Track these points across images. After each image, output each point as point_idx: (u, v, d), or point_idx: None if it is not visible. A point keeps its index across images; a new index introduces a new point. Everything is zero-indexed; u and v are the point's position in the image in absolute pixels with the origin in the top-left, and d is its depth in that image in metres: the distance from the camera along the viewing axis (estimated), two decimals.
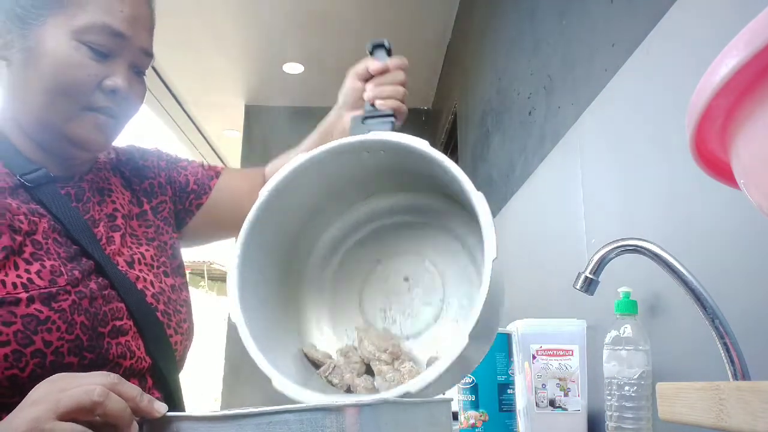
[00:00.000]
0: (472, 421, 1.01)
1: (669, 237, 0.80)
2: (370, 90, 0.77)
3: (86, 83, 0.68)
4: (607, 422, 0.80)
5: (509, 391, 1.03)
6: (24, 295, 0.61)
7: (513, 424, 1.01)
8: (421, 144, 0.57)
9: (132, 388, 0.47)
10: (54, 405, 0.45)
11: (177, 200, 0.91)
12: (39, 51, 0.68)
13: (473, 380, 1.03)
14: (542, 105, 1.52)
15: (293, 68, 3.60)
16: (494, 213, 2.02)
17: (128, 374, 0.69)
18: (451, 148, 3.27)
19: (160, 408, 0.47)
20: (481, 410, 1.01)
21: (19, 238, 0.64)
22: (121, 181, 0.85)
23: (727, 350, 0.59)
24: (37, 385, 0.48)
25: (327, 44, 3.34)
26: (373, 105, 0.75)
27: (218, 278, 8.97)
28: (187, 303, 0.82)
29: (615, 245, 0.75)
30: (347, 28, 3.18)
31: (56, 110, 0.68)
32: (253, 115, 4.04)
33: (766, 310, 0.63)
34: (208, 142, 4.58)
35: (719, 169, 0.39)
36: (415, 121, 4.03)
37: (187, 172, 0.94)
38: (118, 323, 0.69)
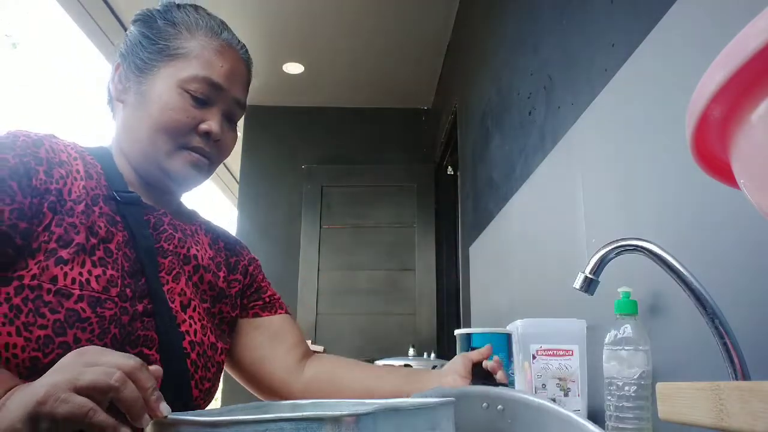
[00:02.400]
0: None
1: (669, 237, 0.80)
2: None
3: (185, 125, 0.80)
4: (607, 422, 0.80)
5: None
6: (77, 292, 0.67)
7: None
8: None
9: (148, 379, 0.48)
10: (74, 377, 0.46)
11: (245, 292, 0.96)
12: (150, 95, 0.80)
13: None
14: (542, 105, 1.52)
15: (293, 68, 3.60)
16: (494, 213, 2.03)
17: None
18: (451, 148, 3.27)
19: (164, 410, 0.47)
20: None
21: (93, 241, 0.71)
22: (209, 241, 0.92)
23: (727, 350, 0.59)
24: (69, 353, 0.50)
25: (327, 44, 3.34)
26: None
27: None
28: (219, 367, 0.85)
29: (615, 245, 0.75)
30: (347, 28, 3.18)
31: (158, 145, 0.80)
32: (253, 115, 4.04)
33: (766, 310, 0.63)
34: None
35: (719, 169, 0.39)
36: (415, 121, 4.04)
37: (268, 284, 1.02)
38: (146, 351, 0.72)
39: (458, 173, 3.03)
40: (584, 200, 1.15)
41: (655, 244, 0.70)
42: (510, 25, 1.90)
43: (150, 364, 0.64)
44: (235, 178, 5.05)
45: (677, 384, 0.39)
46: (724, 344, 0.59)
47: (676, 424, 0.39)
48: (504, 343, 1.05)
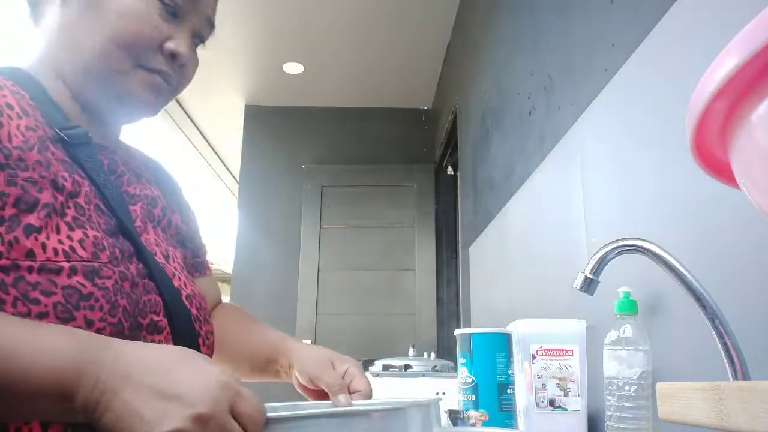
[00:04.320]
0: (472, 421, 1.01)
1: (669, 237, 0.80)
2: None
3: (150, 39, 0.64)
4: (607, 422, 0.80)
5: (509, 391, 1.03)
6: (66, 265, 0.54)
7: (513, 424, 1.01)
8: None
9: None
10: (228, 402, 0.44)
11: (186, 244, 0.82)
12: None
13: (473, 380, 1.03)
14: (542, 105, 1.52)
15: (293, 68, 3.60)
16: (494, 213, 2.03)
17: None
18: (451, 148, 3.27)
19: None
20: (481, 410, 1.01)
21: (60, 198, 0.57)
22: (152, 178, 0.78)
23: (727, 350, 0.59)
24: (211, 383, 0.44)
25: (327, 44, 3.34)
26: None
27: (218, 278, 9.00)
28: (210, 316, 0.77)
29: (615, 245, 0.75)
30: (347, 28, 3.18)
31: (111, 61, 0.63)
32: (253, 115, 4.04)
33: (766, 310, 0.63)
34: (208, 142, 4.58)
35: (719, 169, 0.39)
36: (415, 121, 4.03)
37: (201, 238, 0.87)
38: (155, 318, 0.62)
39: (458, 173, 3.03)
40: (584, 200, 1.15)
41: (655, 244, 0.70)
42: (510, 25, 1.90)
43: (160, 332, 0.63)
44: (235, 178, 5.05)
45: (677, 384, 0.39)
46: (724, 344, 0.59)
47: (676, 424, 0.39)
48: (504, 343, 1.05)
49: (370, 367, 2.06)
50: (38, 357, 0.43)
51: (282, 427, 0.44)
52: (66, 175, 0.59)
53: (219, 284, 0.92)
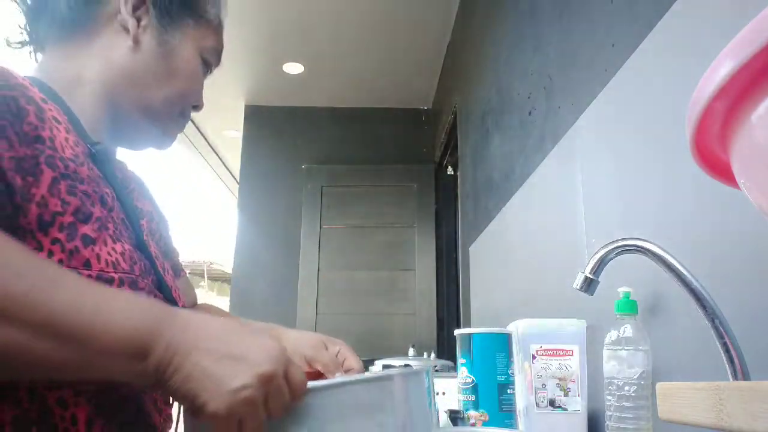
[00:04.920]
0: (472, 421, 1.01)
1: (669, 237, 0.80)
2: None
3: (198, 97, 0.78)
4: (607, 422, 0.80)
5: (509, 391, 1.03)
6: (116, 276, 0.58)
7: (513, 424, 1.01)
8: None
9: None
10: (284, 366, 0.48)
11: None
12: (177, 54, 0.73)
13: (473, 380, 1.03)
14: (542, 105, 1.52)
15: (293, 68, 3.60)
16: (494, 213, 2.03)
17: None
18: (451, 148, 3.27)
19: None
20: (481, 410, 1.01)
21: (105, 212, 0.61)
22: (141, 190, 0.82)
23: (727, 350, 0.59)
24: (271, 348, 0.48)
25: (327, 44, 3.34)
26: None
27: (218, 278, 8.96)
28: None
29: (615, 245, 0.75)
30: (347, 28, 3.18)
31: (171, 108, 0.74)
32: (253, 115, 4.04)
33: (766, 310, 0.63)
34: (208, 142, 4.58)
35: (719, 169, 0.39)
36: (415, 121, 4.04)
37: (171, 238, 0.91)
38: None
39: (458, 173, 3.03)
40: (584, 200, 1.15)
41: (655, 244, 0.70)
42: (510, 25, 1.90)
43: None
44: (235, 178, 5.05)
45: (677, 384, 0.39)
46: (724, 344, 0.59)
47: (676, 424, 0.39)
48: (504, 343, 1.05)
49: (370, 367, 2.06)
50: (117, 317, 0.45)
51: (320, 394, 0.50)
52: (108, 191, 0.64)
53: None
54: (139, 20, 0.71)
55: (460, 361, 1.07)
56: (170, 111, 0.74)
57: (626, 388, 0.77)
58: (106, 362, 0.45)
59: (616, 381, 0.79)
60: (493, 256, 1.98)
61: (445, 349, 3.42)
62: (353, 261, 3.67)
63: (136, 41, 0.71)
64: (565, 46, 1.36)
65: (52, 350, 0.43)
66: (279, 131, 4.03)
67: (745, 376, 0.58)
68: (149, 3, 0.72)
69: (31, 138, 0.55)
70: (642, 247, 0.71)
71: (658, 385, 0.41)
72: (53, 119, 0.60)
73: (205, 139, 4.51)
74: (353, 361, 0.76)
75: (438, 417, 0.62)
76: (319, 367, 0.75)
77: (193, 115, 0.83)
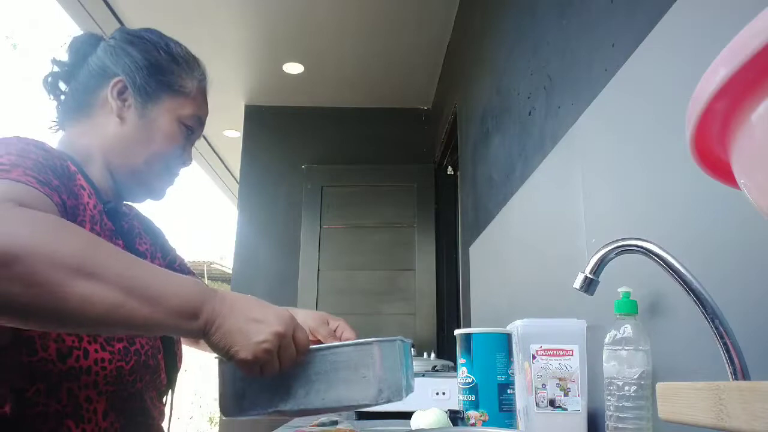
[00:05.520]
0: (472, 421, 1.01)
1: (669, 237, 0.80)
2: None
3: (178, 156, 0.95)
4: (607, 422, 0.80)
5: (509, 391, 1.03)
6: None
7: (513, 424, 1.01)
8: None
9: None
10: (292, 328, 0.68)
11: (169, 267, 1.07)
12: (155, 123, 0.91)
13: (473, 380, 1.03)
14: (542, 105, 1.52)
15: (293, 68, 3.60)
16: (494, 213, 2.03)
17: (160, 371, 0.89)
18: (451, 148, 3.27)
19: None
20: (481, 410, 1.01)
21: None
22: (143, 227, 1.01)
23: (727, 350, 0.59)
24: (283, 314, 0.68)
25: (327, 44, 3.34)
26: None
27: (218, 278, 8.97)
28: None
29: (615, 245, 0.75)
30: (347, 28, 3.18)
31: (153, 167, 0.92)
32: (253, 115, 4.04)
33: (766, 310, 0.63)
34: (208, 142, 4.58)
35: (719, 169, 0.39)
36: (415, 121, 4.04)
37: (174, 250, 1.12)
38: (159, 357, 0.88)
39: (458, 173, 3.03)
40: (584, 200, 1.15)
41: (655, 244, 0.70)
42: (510, 25, 1.90)
43: (159, 370, 0.88)
44: (235, 178, 5.05)
45: (677, 384, 0.39)
46: (724, 344, 0.59)
47: (676, 424, 0.39)
48: (504, 343, 1.05)
49: None
50: (179, 289, 0.63)
51: (319, 352, 0.70)
52: (120, 242, 0.84)
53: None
54: (124, 101, 0.90)
55: (460, 361, 1.07)
56: (152, 170, 0.92)
57: (626, 388, 0.77)
58: (171, 320, 0.62)
59: (616, 381, 0.79)
60: (493, 256, 1.98)
61: (445, 349, 3.42)
62: (353, 261, 3.67)
63: (121, 117, 0.90)
64: (565, 46, 1.36)
65: (137, 309, 0.59)
66: (279, 131, 4.03)
67: (745, 376, 0.58)
68: (130, 86, 0.90)
69: (75, 196, 0.76)
70: (642, 247, 0.71)
71: (658, 385, 0.41)
72: (81, 187, 0.79)
73: (205, 139, 4.51)
74: (349, 334, 0.94)
75: (413, 380, 0.78)
76: (320, 338, 0.91)
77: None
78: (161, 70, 0.92)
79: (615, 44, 1.08)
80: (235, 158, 4.23)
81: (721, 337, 0.60)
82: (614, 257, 0.76)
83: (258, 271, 3.75)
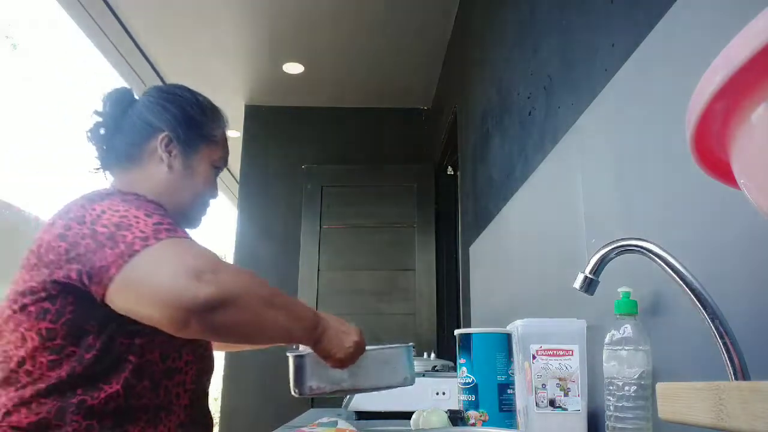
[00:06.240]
0: (472, 421, 1.01)
1: (669, 237, 0.80)
2: None
3: (213, 194, 1.14)
4: (607, 422, 0.80)
5: (509, 391, 1.03)
6: None
7: (513, 424, 1.01)
8: None
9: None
10: (362, 337, 1.00)
11: None
12: (196, 170, 1.10)
13: (473, 380, 1.03)
14: (542, 105, 1.52)
15: (293, 68, 3.60)
16: (494, 213, 2.02)
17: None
18: (451, 148, 3.27)
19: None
20: (481, 410, 1.01)
21: None
22: None
23: (727, 350, 0.59)
24: (356, 329, 1.00)
25: (327, 44, 3.34)
26: None
27: None
28: None
29: (615, 245, 0.75)
30: (347, 28, 3.18)
31: (195, 205, 1.11)
32: (253, 115, 4.04)
33: (766, 310, 0.63)
34: None
35: (719, 169, 0.39)
36: (415, 121, 4.04)
37: None
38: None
39: (458, 173, 3.03)
40: (584, 200, 1.15)
41: (655, 244, 0.70)
42: (510, 25, 1.90)
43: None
44: (235, 178, 5.05)
45: (677, 384, 0.39)
46: (724, 344, 0.59)
47: (676, 424, 0.39)
48: (504, 343, 1.05)
49: None
50: (308, 312, 0.94)
51: (370, 353, 1.02)
52: None
53: None
54: (170, 153, 1.07)
55: (460, 361, 1.07)
56: (194, 206, 1.11)
57: (626, 388, 0.77)
58: (305, 334, 0.92)
59: (616, 381, 0.79)
60: (493, 256, 1.98)
61: (445, 349, 3.41)
62: (353, 261, 3.67)
63: (170, 167, 1.07)
64: (565, 46, 1.36)
65: (293, 327, 0.90)
66: (279, 131, 4.03)
67: (745, 376, 0.58)
68: (175, 140, 1.07)
69: None
70: (642, 247, 0.71)
71: (658, 385, 0.41)
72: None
73: None
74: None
75: (413, 373, 1.09)
76: None
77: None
78: (197, 124, 1.10)
79: (615, 44, 1.09)
80: (235, 158, 4.22)
81: (721, 337, 0.60)
82: (614, 257, 0.76)
83: (258, 270, 3.70)
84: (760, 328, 0.63)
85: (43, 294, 0.84)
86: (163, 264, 0.78)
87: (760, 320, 0.63)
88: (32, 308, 0.85)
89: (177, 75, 3.62)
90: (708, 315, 0.61)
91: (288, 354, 1.05)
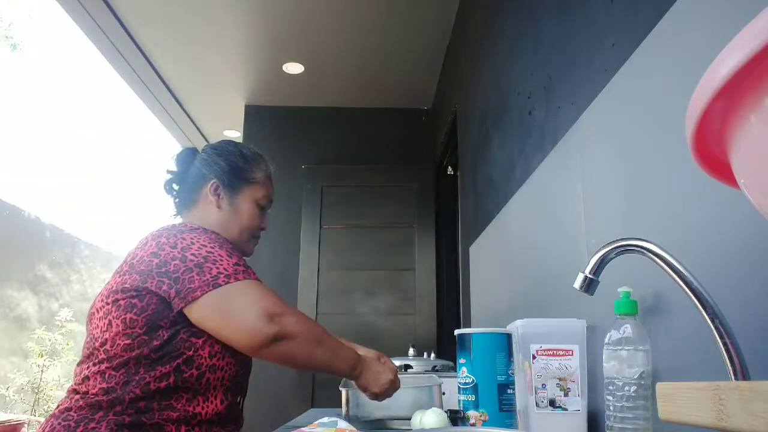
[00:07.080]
0: (472, 421, 1.01)
1: (669, 237, 0.80)
2: None
3: (258, 226, 1.34)
4: (607, 422, 0.80)
5: (509, 391, 1.03)
6: None
7: (513, 424, 1.01)
8: None
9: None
10: (396, 374, 1.25)
11: None
12: (240, 209, 1.31)
13: (473, 380, 1.03)
14: (542, 105, 1.52)
15: (293, 68, 3.60)
16: (494, 213, 2.03)
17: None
18: (451, 148, 3.27)
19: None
20: (481, 410, 1.01)
21: None
22: None
23: (727, 350, 0.59)
24: (392, 366, 1.26)
25: (327, 44, 3.34)
26: None
27: None
28: None
29: (615, 245, 0.75)
30: (347, 28, 3.18)
31: (243, 237, 1.31)
32: (253, 115, 4.04)
33: (766, 310, 0.63)
34: (208, 143, 4.58)
35: (719, 169, 0.39)
36: (415, 121, 4.04)
37: None
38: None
39: (458, 173, 3.03)
40: (584, 200, 1.15)
41: (655, 244, 0.70)
42: (510, 25, 1.90)
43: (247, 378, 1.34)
44: None
45: (677, 384, 0.39)
46: (724, 344, 0.59)
47: (676, 424, 0.39)
48: (504, 343, 1.05)
49: None
50: (351, 354, 1.19)
51: (403, 388, 1.26)
52: None
53: None
54: (218, 196, 1.29)
55: (460, 361, 1.07)
56: (243, 238, 1.31)
57: (626, 388, 0.77)
58: (347, 370, 1.17)
59: (616, 381, 0.79)
60: (493, 256, 1.98)
61: (445, 349, 3.41)
62: (353, 261, 3.67)
63: (219, 207, 1.29)
64: (565, 46, 1.36)
65: (337, 363, 1.16)
66: (279, 131, 4.03)
67: (745, 376, 0.58)
68: (221, 185, 1.30)
69: None
70: (642, 247, 0.71)
71: (658, 385, 0.41)
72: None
73: (206, 139, 4.51)
74: (392, 365, 1.30)
75: (441, 401, 1.35)
76: None
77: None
78: (240, 170, 1.32)
79: (615, 44, 1.09)
80: None
81: (721, 337, 0.60)
82: (614, 257, 0.76)
83: (258, 270, 3.70)
84: (760, 328, 0.63)
85: (133, 293, 1.07)
86: (249, 302, 1.06)
87: (760, 320, 0.63)
88: (122, 302, 1.08)
89: (177, 75, 3.62)
90: (708, 315, 0.61)
91: (341, 389, 1.41)
